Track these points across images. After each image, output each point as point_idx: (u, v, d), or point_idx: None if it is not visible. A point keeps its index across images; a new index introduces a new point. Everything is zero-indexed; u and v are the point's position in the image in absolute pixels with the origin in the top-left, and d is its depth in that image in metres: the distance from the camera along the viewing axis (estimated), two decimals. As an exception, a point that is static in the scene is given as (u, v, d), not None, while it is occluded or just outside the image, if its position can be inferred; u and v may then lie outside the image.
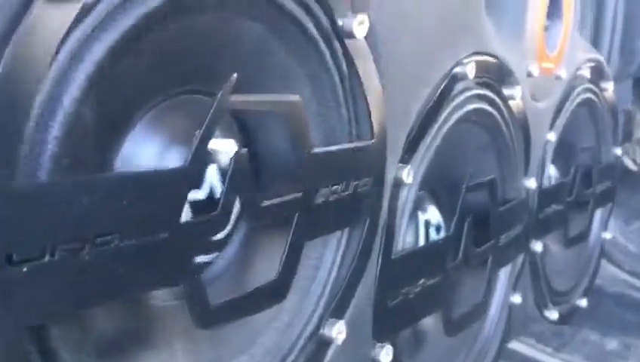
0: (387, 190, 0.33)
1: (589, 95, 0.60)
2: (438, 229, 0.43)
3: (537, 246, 0.52)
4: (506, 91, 0.44)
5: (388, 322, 0.35)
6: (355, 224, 0.30)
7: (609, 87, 0.62)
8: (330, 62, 0.27)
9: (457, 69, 0.38)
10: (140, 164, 0.22)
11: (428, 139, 0.36)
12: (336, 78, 0.28)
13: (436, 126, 0.36)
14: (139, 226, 0.19)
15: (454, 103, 0.38)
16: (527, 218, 0.49)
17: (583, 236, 0.61)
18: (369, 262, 0.31)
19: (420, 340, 0.42)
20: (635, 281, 0.82)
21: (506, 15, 0.44)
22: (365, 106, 0.29)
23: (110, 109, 0.21)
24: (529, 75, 0.47)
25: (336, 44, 0.27)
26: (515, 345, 0.73)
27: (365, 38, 0.28)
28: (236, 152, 0.23)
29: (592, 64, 0.59)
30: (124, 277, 0.19)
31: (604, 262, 0.84)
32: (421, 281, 0.36)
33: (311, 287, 0.29)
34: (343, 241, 0.30)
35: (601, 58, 0.62)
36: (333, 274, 0.30)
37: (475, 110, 0.41)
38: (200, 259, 0.24)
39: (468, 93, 0.39)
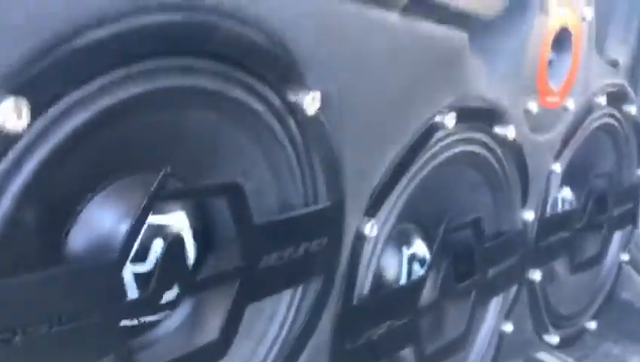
0: (349, 244, 0.35)
1: (607, 120, 0.59)
2: (423, 262, 0.45)
3: (535, 275, 0.52)
4: (498, 130, 0.45)
5: None
6: (307, 281, 0.32)
7: (632, 110, 0.61)
8: (284, 138, 0.29)
9: (437, 118, 0.39)
10: (91, 240, 0.25)
11: (399, 189, 0.37)
12: (290, 151, 0.30)
13: (409, 176, 0.38)
14: (72, 314, 0.22)
15: (432, 151, 0.39)
16: (522, 249, 0.50)
17: (595, 260, 0.61)
18: (326, 311, 0.34)
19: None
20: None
21: (501, 54, 0.44)
22: (321, 172, 0.31)
23: (52, 203, 0.24)
24: (527, 111, 0.47)
25: (290, 121, 0.29)
26: (537, 354, 0.74)
27: (320, 110, 0.30)
28: (171, 234, 0.26)
29: (611, 89, 0.57)
30: (58, 358, 0.22)
31: (635, 276, 0.82)
32: (387, 323, 0.38)
33: (265, 335, 0.32)
34: (297, 295, 0.32)
35: (623, 82, 0.60)
36: (288, 322, 0.32)
37: (460, 153, 0.42)
38: (148, 318, 0.27)
39: (449, 140, 0.40)
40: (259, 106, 0.28)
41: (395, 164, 0.37)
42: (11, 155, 0.21)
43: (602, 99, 0.55)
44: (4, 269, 0.21)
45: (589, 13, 0.50)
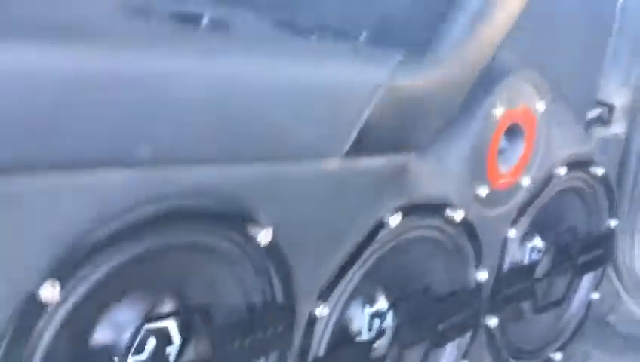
0: (303, 325, 0.46)
1: (571, 183, 0.66)
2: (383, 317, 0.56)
3: (492, 321, 0.62)
4: (448, 213, 0.54)
5: None
6: (266, 357, 0.44)
7: (598, 171, 0.67)
8: (247, 261, 0.41)
9: (384, 219, 0.49)
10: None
11: (349, 276, 0.48)
12: (250, 268, 0.42)
13: (358, 265, 0.48)
14: None
15: (380, 244, 0.49)
16: (477, 302, 0.59)
17: (559, 303, 0.69)
18: None
19: None
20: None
21: (449, 154, 0.53)
22: (277, 279, 0.43)
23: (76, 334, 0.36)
24: (477, 195, 0.56)
25: (250, 248, 0.41)
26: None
27: (275, 237, 0.41)
28: (161, 334, 0.39)
29: (575, 158, 0.64)
30: None
31: (625, 297, 0.89)
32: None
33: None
34: None
35: (589, 147, 0.67)
36: None
37: (409, 239, 0.52)
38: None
39: (396, 233, 0.50)
40: (227, 244, 0.40)
41: (345, 261, 0.47)
42: (45, 319, 0.34)
43: (562, 170, 0.63)
44: None
45: (541, 106, 0.58)
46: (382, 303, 0.56)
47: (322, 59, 0.44)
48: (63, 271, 0.33)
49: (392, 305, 0.53)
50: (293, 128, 0.41)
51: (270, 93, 0.40)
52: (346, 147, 0.43)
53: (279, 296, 0.43)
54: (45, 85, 0.30)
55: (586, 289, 0.72)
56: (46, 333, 0.34)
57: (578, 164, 0.64)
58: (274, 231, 0.41)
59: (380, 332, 0.53)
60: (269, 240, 0.40)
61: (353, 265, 0.48)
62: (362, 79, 0.44)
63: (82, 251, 0.33)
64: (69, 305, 0.34)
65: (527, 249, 0.66)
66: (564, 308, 0.71)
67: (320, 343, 0.47)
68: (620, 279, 0.87)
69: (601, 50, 0.77)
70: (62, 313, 0.34)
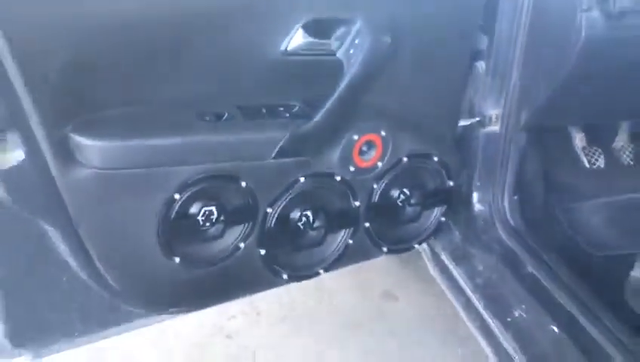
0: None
1: (416, 164, 1.32)
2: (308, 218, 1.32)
3: (366, 224, 1.34)
4: (335, 177, 1.26)
5: None
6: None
7: (435, 158, 1.32)
8: (238, 195, 1.20)
9: (299, 179, 1.23)
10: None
11: (285, 197, 1.25)
12: (241, 201, 1.20)
13: (287, 195, 1.24)
14: None
15: (298, 190, 1.24)
16: (355, 214, 1.32)
17: (414, 220, 1.39)
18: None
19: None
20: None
21: (332, 153, 1.24)
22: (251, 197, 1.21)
23: None
24: (349, 171, 1.26)
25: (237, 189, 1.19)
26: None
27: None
28: None
29: (414, 153, 1.30)
30: None
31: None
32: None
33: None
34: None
35: (426, 146, 1.31)
36: None
37: (315, 188, 1.25)
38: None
39: (306, 185, 1.24)
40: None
41: (279, 193, 1.24)
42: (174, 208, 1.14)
43: (405, 158, 1.30)
44: None
45: (384, 133, 1.25)
46: (307, 213, 1.30)
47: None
48: (181, 189, 1.11)
49: (313, 213, 1.27)
50: None
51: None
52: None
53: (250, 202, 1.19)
54: None
55: (435, 214, 1.41)
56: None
57: (418, 155, 1.31)
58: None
59: (308, 225, 1.28)
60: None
61: (286, 194, 1.22)
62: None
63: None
64: (183, 199, 1.12)
65: (391, 194, 1.36)
66: (422, 222, 1.41)
67: (270, 226, 1.23)
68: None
69: (464, 75, 1.35)
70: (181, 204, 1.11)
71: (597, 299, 1.26)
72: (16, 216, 1.00)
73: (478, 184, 1.51)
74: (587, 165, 1.76)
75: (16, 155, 0.96)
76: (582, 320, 1.23)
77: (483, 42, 1.39)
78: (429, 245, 1.60)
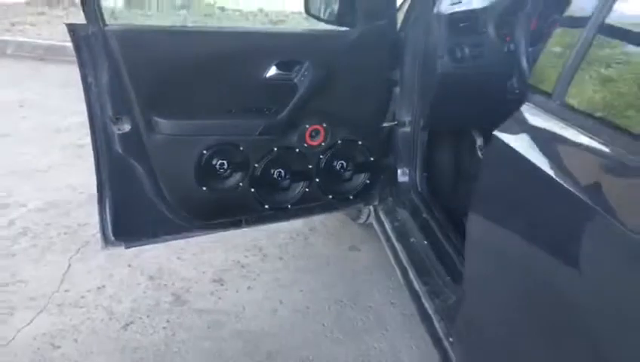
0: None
1: (346, 147, 2.24)
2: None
3: (316, 179, 2.26)
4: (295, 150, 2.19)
5: None
6: None
7: (359, 143, 2.24)
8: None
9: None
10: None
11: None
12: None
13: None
14: None
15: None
16: (309, 172, 2.24)
17: (348, 180, 2.30)
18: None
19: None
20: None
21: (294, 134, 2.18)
22: None
23: None
24: (306, 145, 2.19)
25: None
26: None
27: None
28: None
29: (345, 140, 2.23)
30: None
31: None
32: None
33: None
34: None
35: (356, 136, 2.23)
36: None
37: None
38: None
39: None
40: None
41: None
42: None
43: (340, 142, 2.23)
44: None
45: (325, 125, 2.19)
46: (279, 169, 2.24)
47: None
48: (208, 148, 2.07)
49: (283, 169, 2.19)
50: None
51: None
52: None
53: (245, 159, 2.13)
54: None
55: (361, 178, 2.31)
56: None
57: (348, 140, 2.23)
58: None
59: (280, 176, 2.20)
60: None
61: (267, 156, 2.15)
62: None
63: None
64: (208, 154, 2.08)
65: (332, 163, 2.27)
66: (353, 182, 2.32)
67: (257, 175, 2.17)
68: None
69: (382, 95, 2.26)
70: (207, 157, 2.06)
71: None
72: (124, 159, 1.97)
73: (401, 164, 2.41)
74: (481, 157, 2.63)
75: (125, 127, 1.94)
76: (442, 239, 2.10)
77: (397, 75, 2.31)
78: (375, 210, 2.50)
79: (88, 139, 1.97)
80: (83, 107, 1.88)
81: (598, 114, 1.06)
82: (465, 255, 1.46)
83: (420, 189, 2.37)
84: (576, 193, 0.95)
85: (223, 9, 9.18)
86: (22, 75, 5.75)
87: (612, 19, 1.10)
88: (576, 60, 1.13)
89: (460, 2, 2.25)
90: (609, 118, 1.02)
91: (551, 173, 1.06)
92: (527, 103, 1.27)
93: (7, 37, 6.65)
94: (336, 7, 2.17)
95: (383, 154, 2.32)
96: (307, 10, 2.29)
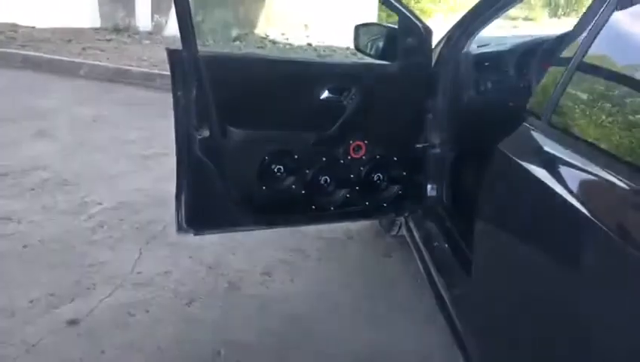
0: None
1: (382, 162, 2.65)
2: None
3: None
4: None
5: None
6: None
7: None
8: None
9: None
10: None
11: None
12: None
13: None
14: None
15: None
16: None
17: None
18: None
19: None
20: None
21: None
22: None
23: None
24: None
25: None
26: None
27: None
28: None
29: (384, 156, 2.64)
30: None
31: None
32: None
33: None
34: None
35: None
36: None
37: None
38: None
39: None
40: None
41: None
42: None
43: (378, 157, 2.64)
44: None
45: None
46: (325, 177, 2.65)
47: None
48: (268, 154, 2.51)
49: (329, 177, 2.62)
50: None
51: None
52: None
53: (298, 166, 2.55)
54: None
55: (394, 189, 2.71)
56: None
57: (385, 156, 2.64)
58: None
59: (326, 183, 2.62)
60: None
61: (316, 165, 2.57)
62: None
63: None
64: (268, 159, 2.52)
65: (370, 174, 2.67)
66: (387, 191, 2.71)
67: (307, 180, 2.58)
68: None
69: (415, 120, 2.68)
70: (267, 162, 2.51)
71: None
72: (201, 160, 2.42)
73: (431, 181, 2.80)
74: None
75: (205, 133, 2.39)
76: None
77: (430, 104, 2.72)
78: (406, 221, 2.89)
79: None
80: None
81: (574, 132, 1.45)
82: (473, 252, 1.84)
83: (445, 202, 2.75)
84: (558, 192, 1.31)
85: (274, 42, 9.80)
86: (94, 94, 6.36)
87: (587, 59, 1.50)
88: (558, 91, 1.52)
89: (488, 45, 2.67)
90: (582, 135, 1.40)
91: (538, 176, 1.44)
92: (524, 124, 1.66)
93: (80, 59, 7.33)
94: (380, 44, 2.61)
95: (415, 171, 2.70)
96: (356, 46, 2.74)
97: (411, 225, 2.82)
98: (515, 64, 2.50)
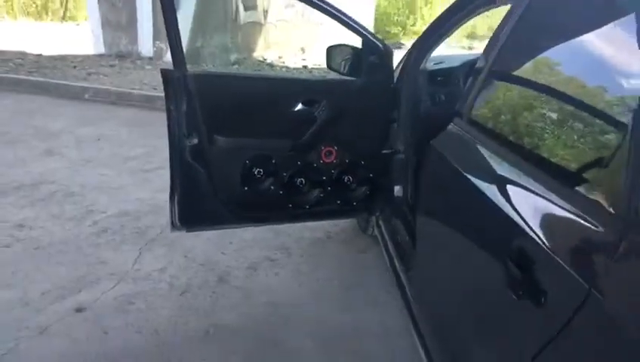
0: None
1: (351, 165, 3.01)
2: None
3: (297, 180, 3.03)
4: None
5: None
6: None
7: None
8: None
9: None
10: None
11: None
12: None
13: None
14: None
15: None
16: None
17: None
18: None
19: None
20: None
21: None
22: None
23: None
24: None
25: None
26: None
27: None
28: None
29: (353, 161, 3.00)
30: None
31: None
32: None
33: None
34: None
35: None
36: None
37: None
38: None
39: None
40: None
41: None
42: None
43: (347, 161, 3.00)
44: None
45: None
46: (300, 178, 3.01)
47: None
48: (249, 158, 2.88)
49: (304, 178, 2.98)
50: None
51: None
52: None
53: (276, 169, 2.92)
54: None
55: (363, 189, 3.07)
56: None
57: (354, 161, 3.00)
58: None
59: (301, 184, 2.99)
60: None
61: (291, 168, 2.94)
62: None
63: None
64: (249, 163, 2.90)
65: (341, 176, 3.03)
66: (356, 191, 3.07)
67: (284, 181, 2.95)
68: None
69: (382, 129, 3.05)
70: (249, 165, 2.88)
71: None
72: (191, 165, 2.78)
73: (397, 183, 3.15)
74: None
75: (194, 141, 2.76)
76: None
77: (395, 114, 3.08)
78: (376, 219, 3.24)
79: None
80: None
81: (485, 126, 1.82)
82: (416, 235, 2.19)
83: (410, 201, 3.10)
84: (472, 180, 1.68)
85: (271, 65, 10.24)
86: (98, 116, 6.76)
87: (494, 69, 1.87)
88: (473, 94, 1.89)
89: (442, 62, 3.05)
90: (490, 127, 1.77)
91: (457, 166, 1.81)
92: (451, 123, 2.02)
93: (85, 84, 7.76)
94: (349, 63, 2.99)
95: (382, 174, 3.06)
96: (329, 65, 3.11)
97: (381, 222, 3.16)
98: (464, 77, 2.87)
